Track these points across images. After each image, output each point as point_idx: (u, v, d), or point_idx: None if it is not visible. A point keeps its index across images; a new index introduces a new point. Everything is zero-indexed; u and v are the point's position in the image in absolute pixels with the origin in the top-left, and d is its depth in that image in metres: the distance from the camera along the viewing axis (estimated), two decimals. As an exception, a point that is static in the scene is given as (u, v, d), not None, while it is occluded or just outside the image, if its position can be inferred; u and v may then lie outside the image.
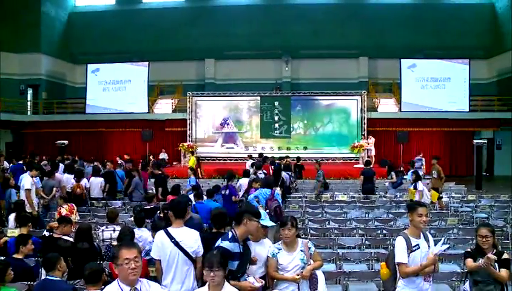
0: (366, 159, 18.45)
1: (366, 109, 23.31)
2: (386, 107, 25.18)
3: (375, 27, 26.58)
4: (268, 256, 4.74)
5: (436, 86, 23.89)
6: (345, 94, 23.92)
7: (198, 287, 4.64)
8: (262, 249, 4.84)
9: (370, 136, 22.12)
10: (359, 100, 23.38)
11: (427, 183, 13.19)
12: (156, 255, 4.85)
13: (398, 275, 4.59)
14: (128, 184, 12.82)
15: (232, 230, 4.65)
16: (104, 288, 3.61)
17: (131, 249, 3.41)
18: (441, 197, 12.14)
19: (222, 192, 10.51)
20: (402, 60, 24.03)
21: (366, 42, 26.73)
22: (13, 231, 7.36)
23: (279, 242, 4.82)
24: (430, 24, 26.04)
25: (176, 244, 4.76)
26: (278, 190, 9.87)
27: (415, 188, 11.28)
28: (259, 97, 24.35)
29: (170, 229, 4.91)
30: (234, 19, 27.78)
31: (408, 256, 4.47)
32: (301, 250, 4.71)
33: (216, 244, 4.51)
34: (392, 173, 14.52)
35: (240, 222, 4.65)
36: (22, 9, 26.42)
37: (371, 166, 14.85)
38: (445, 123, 23.22)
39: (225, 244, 4.45)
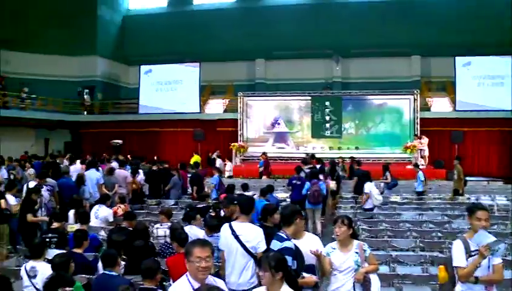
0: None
1: (418, 108, 23.15)
2: (440, 106, 25.11)
3: (427, 24, 26.31)
4: (322, 254, 4.77)
5: (493, 84, 23.34)
6: (397, 94, 23.79)
7: (258, 283, 5.06)
8: (304, 245, 4.84)
9: (424, 136, 21.85)
10: (411, 99, 23.22)
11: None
12: (221, 246, 5.41)
13: (456, 280, 4.46)
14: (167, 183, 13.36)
15: (283, 231, 4.79)
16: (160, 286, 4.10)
17: (204, 248, 3.50)
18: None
19: (293, 182, 11.82)
20: (457, 57, 23.62)
21: (418, 40, 26.56)
22: (72, 226, 7.88)
23: (335, 242, 4.89)
24: (484, 20, 25.38)
25: (236, 237, 5.09)
26: (332, 184, 12.68)
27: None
28: (310, 97, 24.65)
29: (233, 223, 5.30)
30: (284, 19, 28.31)
31: (467, 260, 4.33)
32: (356, 252, 4.73)
33: (279, 246, 4.54)
34: (387, 174, 14.35)
35: (291, 222, 4.80)
36: (78, 14, 27.99)
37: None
38: (503, 123, 22.53)
39: (289, 244, 4.52)
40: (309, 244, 4.85)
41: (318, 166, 14.47)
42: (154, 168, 14.04)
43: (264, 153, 21.02)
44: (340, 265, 4.72)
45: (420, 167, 20.53)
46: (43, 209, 9.33)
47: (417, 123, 23.03)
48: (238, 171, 21.90)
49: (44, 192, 10.06)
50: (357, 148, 23.59)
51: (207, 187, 13.65)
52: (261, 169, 20.18)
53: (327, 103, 24.25)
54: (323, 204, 11.52)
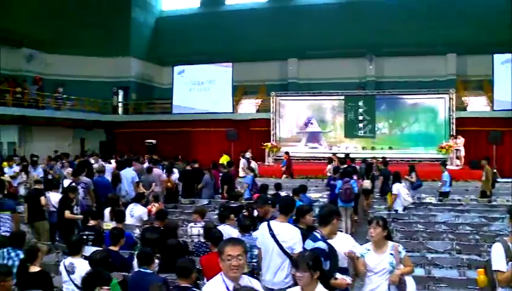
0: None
1: (454, 108, 22.68)
2: (477, 105, 24.60)
3: (464, 22, 25.83)
4: (356, 256, 4.77)
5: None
6: (432, 93, 23.41)
7: (293, 283, 5.15)
8: (337, 245, 4.86)
9: (460, 136, 21.45)
10: (447, 98, 22.78)
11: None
12: (258, 243, 5.48)
13: (496, 284, 4.35)
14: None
15: (319, 231, 4.82)
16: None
17: (235, 246, 3.53)
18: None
19: (331, 182, 11.97)
20: (495, 55, 22.92)
21: (454, 37, 25.91)
22: (108, 224, 8.14)
23: (370, 243, 4.87)
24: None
25: (273, 236, 5.16)
26: (367, 184, 12.88)
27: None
28: (343, 97, 24.50)
29: (272, 222, 5.37)
30: (316, 18, 28.23)
31: (507, 264, 4.19)
32: (391, 254, 4.69)
33: (311, 246, 4.58)
34: (413, 174, 13.87)
35: (328, 223, 4.83)
36: (113, 16, 28.59)
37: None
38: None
39: (321, 245, 4.53)
40: (341, 243, 4.87)
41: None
42: (188, 167, 14.15)
43: (286, 153, 21.09)
44: (375, 267, 4.68)
45: (456, 167, 20.36)
46: (78, 206, 9.55)
47: (453, 123, 22.57)
48: (266, 170, 21.93)
49: (79, 190, 10.29)
50: (390, 148, 23.34)
51: (240, 186, 13.72)
52: (284, 168, 20.21)
53: (360, 102, 24.09)
54: (354, 202, 11.53)
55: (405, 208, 11.15)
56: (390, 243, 4.82)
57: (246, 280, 3.60)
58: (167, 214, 7.49)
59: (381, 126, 24.05)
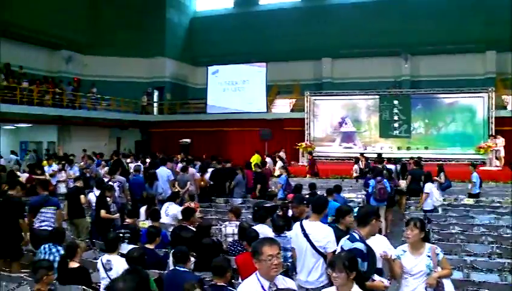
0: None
1: (493, 107, 22.11)
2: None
3: (504, 18, 24.86)
4: (392, 257, 4.68)
5: None
6: (470, 92, 22.91)
7: (327, 282, 5.06)
8: (374, 245, 4.73)
9: (499, 136, 20.87)
10: (485, 97, 22.22)
11: None
12: (292, 243, 5.50)
13: None
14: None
15: (357, 231, 4.72)
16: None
17: (273, 245, 3.52)
18: None
19: (369, 182, 11.90)
20: None
21: (493, 34, 25.12)
22: (143, 222, 8.23)
23: (406, 244, 4.77)
24: None
25: (306, 236, 5.19)
26: (402, 184, 12.90)
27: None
28: (377, 96, 24.25)
29: (304, 222, 5.39)
30: (351, 17, 28.07)
31: None
32: (428, 256, 4.58)
33: (349, 246, 4.50)
34: (441, 174, 13.50)
35: (367, 223, 4.72)
36: (148, 17, 29.08)
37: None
38: None
39: (359, 245, 4.44)
40: (376, 245, 4.76)
41: (390, 166, 14.58)
42: (219, 167, 14.24)
43: (310, 153, 21.37)
44: (411, 269, 4.60)
45: (495, 168, 19.89)
46: (113, 204, 9.75)
47: (492, 123, 22.00)
48: (300, 170, 21.80)
49: (115, 187, 10.51)
50: (426, 148, 23.00)
51: (274, 186, 13.73)
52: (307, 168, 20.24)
53: (395, 102, 23.79)
54: (388, 202, 11.45)
55: (435, 209, 10.97)
56: (427, 245, 4.71)
57: (281, 280, 3.59)
58: (193, 213, 7.50)
59: (417, 126, 23.67)
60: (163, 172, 12.32)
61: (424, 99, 23.89)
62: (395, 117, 23.70)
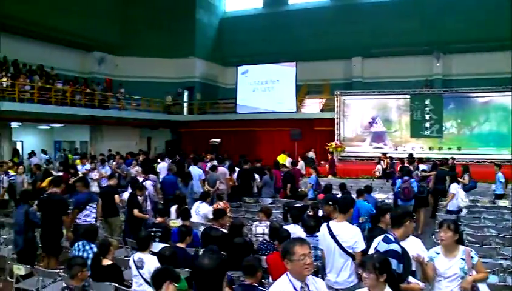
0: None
1: (530, 106, 21.62)
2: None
3: None
4: (425, 260, 4.57)
5: None
6: (504, 90, 22.37)
7: (357, 281, 5.09)
8: (410, 247, 4.63)
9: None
10: (520, 96, 21.83)
11: None
12: (320, 245, 5.50)
13: None
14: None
15: (391, 232, 4.64)
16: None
17: (304, 245, 3.51)
18: None
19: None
20: None
21: None
22: (174, 221, 8.31)
23: (439, 246, 4.69)
24: None
25: (333, 236, 5.20)
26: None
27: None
28: (408, 96, 23.96)
29: (331, 222, 5.38)
30: (380, 16, 27.74)
31: None
32: (462, 258, 4.46)
33: (385, 248, 4.40)
34: (465, 175, 13.36)
35: (402, 224, 4.62)
36: (178, 18, 29.36)
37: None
38: None
39: (395, 247, 4.35)
40: (410, 246, 4.64)
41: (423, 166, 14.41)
42: (246, 166, 14.27)
43: (330, 153, 21.44)
44: (445, 272, 4.49)
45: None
46: (148, 202, 9.88)
47: (528, 122, 21.47)
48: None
49: (150, 187, 10.65)
50: (459, 148, 22.64)
51: (304, 186, 13.70)
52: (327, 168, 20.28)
53: (427, 101, 23.50)
54: (419, 201, 11.39)
55: (460, 210, 10.80)
56: (461, 247, 4.59)
57: (311, 281, 3.57)
58: (224, 215, 7.48)
59: (449, 125, 23.33)
60: (195, 171, 12.45)
61: (456, 98, 23.48)
62: (427, 117, 23.43)
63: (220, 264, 2.94)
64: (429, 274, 4.57)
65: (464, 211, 10.92)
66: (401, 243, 4.54)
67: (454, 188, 10.86)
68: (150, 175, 11.35)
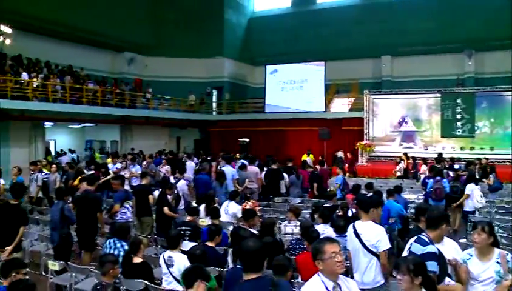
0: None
1: None
2: None
3: None
4: (459, 262, 4.49)
5: None
6: (540, 89, 21.88)
7: (383, 281, 5.09)
8: (446, 249, 4.56)
9: None
10: (557, 94, 21.22)
11: None
12: (347, 245, 5.46)
13: None
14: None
15: (425, 234, 4.55)
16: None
17: (333, 243, 3.51)
18: None
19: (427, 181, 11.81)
20: None
21: None
22: (203, 220, 8.30)
23: (473, 248, 4.53)
24: None
25: (357, 236, 5.20)
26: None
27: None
28: (439, 95, 23.55)
29: (357, 222, 5.37)
30: (410, 14, 27.44)
31: None
32: (497, 262, 4.31)
33: (422, 251, 4.30)
34: (491, 176, 13.11)
35: (438, 227, 4.56)
36: (207, 18, 29.59)
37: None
38: None
39: (432, 249, 4.29)
40: (446, 249, 4.56)
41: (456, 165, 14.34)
42: (274, 166, 14.27)
43: (350, 152, 21.33)
44: (479, 275, 4.35)
45: None
46: (182, 202, 10.00)
47: None
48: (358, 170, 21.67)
49: (184, 186, 10.76)
50: (491, 148, 22.16)
51: (332, 186, 13.63)
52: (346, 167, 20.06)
53: (458, 100, 23.08)
54: (447, 201, 11.25)
55: (476, 211, 10.66)
56: (496, 250, 4.42)
57: (343, 281, 3.55)
58: (254, 215, 7.46)
59: (482, 125, 22.82)
60: (228, 170, 12.53)
61: (489, 96, 22.96)
62: (458, 116, 23.01)
63: (262, 247, 3.52)
64: (462, 277, 4.45)
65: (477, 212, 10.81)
66: (437, 245, 4.47)
67: (469, 188, 10.72)
68: (185, 175, 11.44)
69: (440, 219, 4.61)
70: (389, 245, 5.09)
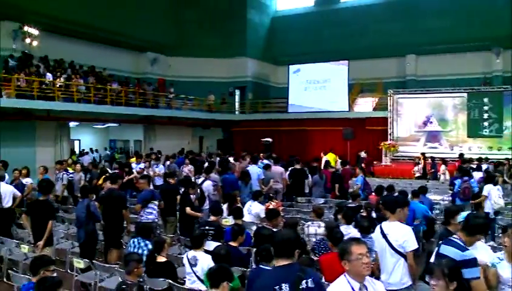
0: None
1: None
2: None
3: None
4: (487, 265, 4.34)
5: None
6: None
7: (411, 282, 5.01)
8: (479, 254, 4.37)
9: None
10: None
11: None
12: (375, 246, 5.40)
13: None
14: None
15: (458, 237, 4.46)
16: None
17: (361, 244, 3.49)
18: None
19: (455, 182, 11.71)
20: None
21: None
22: (226, 220, 8.29)
23: (502, 252, 4.41)
24: None
25: (384, 236, 5.14)
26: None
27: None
28: (465, 94, 23.28)
29: (383, 223, 5.33)
30: (435, 11, 26.97)
31: None
32: None
33: (460, 256, 4.15)
34: None
35: (475, 235, 4.44)
36: (229, 18, 29.68)
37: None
38: None
39: (472, 254, 4.17)
40: (480, 254, 4.40)
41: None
42: (298, 166, 14.26)
43: (365, 151, 21.34)
44: (508, 279, 4.21)
45: None
46: (206, 202, 10.07)
47: None
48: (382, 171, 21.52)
49: (210, 186, 10.83)
50: (520, 148, 21.74)
51: (353, 186, 13.55)
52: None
53: (485, 99, 22.80)
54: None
55: (496, 212, 10.44)
56: None
57: (370, 282, 3.53)
58: (277, 216, 7.45)
59: (510, 125, 22.40)
60: (254, 170, 12.57)
61: (518, 95, 22.55)
62: (485, 116, 22.75)
63: (295, 236, 3.78)
64: (492, 281, 4.31)
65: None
66: (471, 249, 4.34)
67: (487, 189, 10.48)
68: (211, 175, 11.46)
69: (482, 228, 4.53)
70: (416, 246, 5.03)
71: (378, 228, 5.35)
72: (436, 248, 4.50)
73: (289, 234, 3.74)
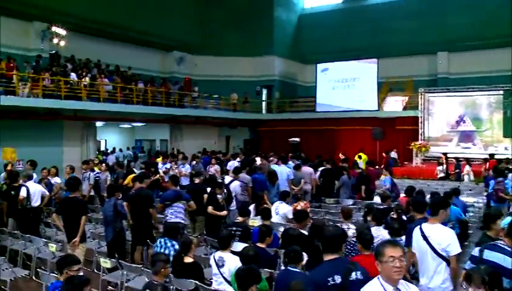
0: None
1: None
2: None
3: None
4: None
5: None
6: None
7: (452, 288, 4.90)
8: None
9: None
10: None
11: None
12: (413, 248, 5.29)
13: None
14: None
15: (505, 242, 4.40)
16: None
17: (396, 247, 3.46)
18: None
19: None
20: None
21: None
22: (253, 221, 8.34)
23: None
24: None
25: (425, 238, 5.02)
26: None
27: None
28: (501, 92, 22.68)
29: (424, 224, 5.20)
30: (467, 7, 26.44)
31: None
32: None
33: (510, 262, 4.13)
34: None
35: None
36: (256, 17, 29.68)
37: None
38: None
39: None
40: None
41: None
42: (329, 166, 14.16)
43: (385, 152, 20.97)
44: None
45: None
46: (233, 202, 10.09)
47: None
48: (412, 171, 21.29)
49: (237, 187, 10.86)
50: (560, 148, 21.18)
51: (381, 187, 13.41)
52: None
53: (522, 97, 22.16)
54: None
55: None
56: None
57: (404, 286, 3.49)
58: (306, 217, 7.33)
59: (549, 123, 21.80)
60: (283, 170, 12.55)
61: (557, 92, 21.92)
62: (523, 115, 22.10)
63: (341, 232, 4.19)
64: None
65: None
66: None
67: None
68: (240, 175, 11.45)
69: None
70: (460, 250, 4.90)
71: (417, 229, 5.21)
72: (473, 254, 4.41)
73: (336, 230, 4.17)
